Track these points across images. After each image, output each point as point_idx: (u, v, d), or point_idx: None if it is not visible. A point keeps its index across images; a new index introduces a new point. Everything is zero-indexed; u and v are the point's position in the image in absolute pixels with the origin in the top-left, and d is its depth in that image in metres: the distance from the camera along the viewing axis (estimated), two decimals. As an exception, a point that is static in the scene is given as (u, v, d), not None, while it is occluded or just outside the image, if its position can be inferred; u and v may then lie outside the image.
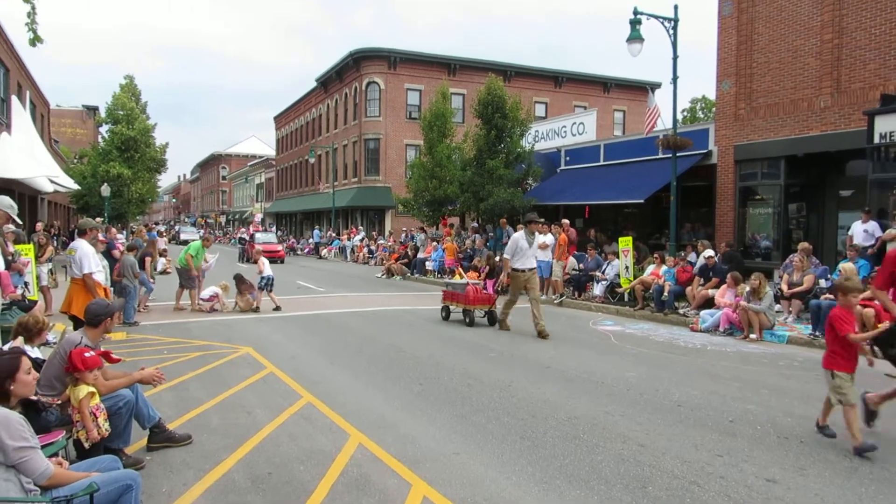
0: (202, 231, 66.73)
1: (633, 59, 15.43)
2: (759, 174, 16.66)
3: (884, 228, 12.53)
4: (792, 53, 15.51)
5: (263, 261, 14.34)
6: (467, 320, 12.00)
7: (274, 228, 52.73)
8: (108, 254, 12.03)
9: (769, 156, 16.08)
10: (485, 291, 12.37)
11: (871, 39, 13.91)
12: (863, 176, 13.92)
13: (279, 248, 33.76)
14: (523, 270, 11.30)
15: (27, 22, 5.92)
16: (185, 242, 14.96)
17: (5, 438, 3.12)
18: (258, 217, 58.94)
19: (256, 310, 13.62)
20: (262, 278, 13.96)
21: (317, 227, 45.46)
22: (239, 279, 14.17)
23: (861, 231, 12.70)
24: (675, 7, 15.08)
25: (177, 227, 69.35)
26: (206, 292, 14.00)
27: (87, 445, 4.31)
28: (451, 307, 12.54)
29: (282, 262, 31.66)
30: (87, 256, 8.92)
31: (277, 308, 13.78)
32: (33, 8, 5.90)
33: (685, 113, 50.34)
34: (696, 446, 5.27)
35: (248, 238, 36.11)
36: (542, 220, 13.76)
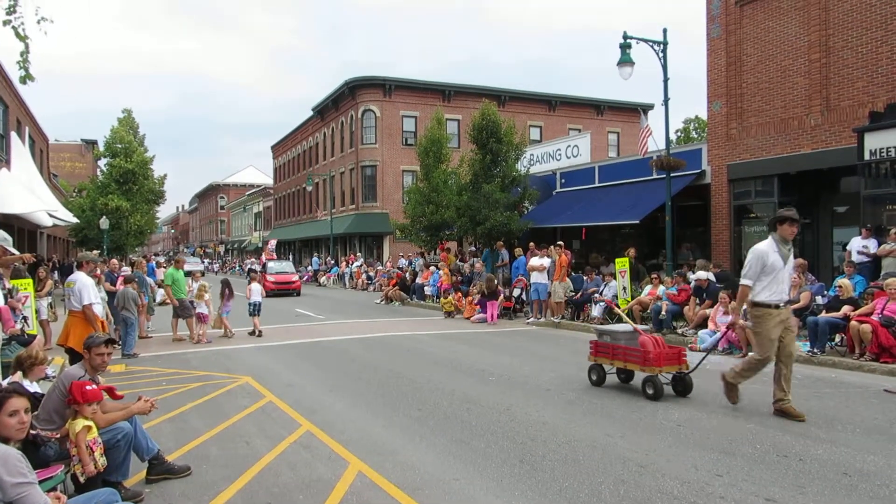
0: (206, 261, 66.52)
1: (624, 81, 15.59)
2: (752, 192, 16.79)
3: (881, 245, 12.58)
4: (781, 73, 15.74)
5: (251, 287, 14.16)
6: (650, 392, 7.60)
7: (290, 256, 46.14)
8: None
9: (762, 174, 16.24)
10: (669, 346, 8.13)
11: (858, 58, 14.14)
12: (856, 192, 14.04)
13: (294, 278, 29.68)
14: (777, 306, 6.71)
15: (19, 60, 6.03)
16: (188, 273, 14.94)
17: (3, 475, 3.13)
18: (272, 244, 49.84)
19: (231, 335, 13.58)
20: (249, 304, 13.88)
21: (315, 254, 45.51)
22: (226, 283, 14.06)
23: (859, 247, 12.73)
24: (664, 31, 15.34)
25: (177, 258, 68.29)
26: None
27: (82, 480, 4.31)
28: (607, 366, 8.37)
29: (298, 294, 28.35)
30: (87, 288, 8.98)
31: (259, 334, 13.74)
32: (27, 47, 6.01)
33: (679, 133, 50.72)
34: (695, 466, 5.26)
35: (259, 269, 31.31)
36: (803, 218, 8.21)
